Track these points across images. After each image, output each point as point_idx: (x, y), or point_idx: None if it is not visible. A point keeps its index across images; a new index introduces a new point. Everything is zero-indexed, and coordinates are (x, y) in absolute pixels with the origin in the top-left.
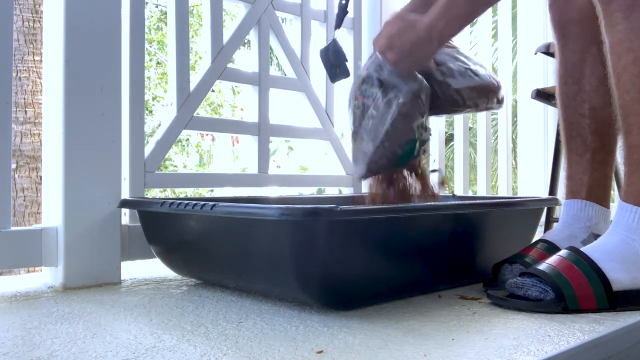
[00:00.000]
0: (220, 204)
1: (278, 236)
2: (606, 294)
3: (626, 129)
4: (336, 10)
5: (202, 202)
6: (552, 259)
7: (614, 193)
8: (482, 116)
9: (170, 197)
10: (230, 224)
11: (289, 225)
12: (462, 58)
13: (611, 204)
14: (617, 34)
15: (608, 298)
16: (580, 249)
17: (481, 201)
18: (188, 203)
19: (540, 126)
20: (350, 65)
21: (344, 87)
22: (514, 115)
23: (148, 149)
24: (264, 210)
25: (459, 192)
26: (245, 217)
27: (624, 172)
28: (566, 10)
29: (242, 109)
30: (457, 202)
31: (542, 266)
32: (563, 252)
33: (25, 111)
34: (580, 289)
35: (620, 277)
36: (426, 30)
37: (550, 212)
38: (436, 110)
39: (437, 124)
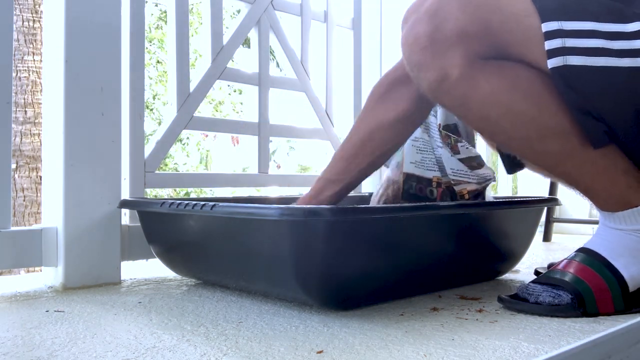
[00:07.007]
0: (220, 204)
1: (278, 236)
2: (622, 295)
3: None
4: None
5: (202, 202)
6: (567, 264)
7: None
8: None
9: (170, 197)
10: (230, 224)
11: (289, 225)
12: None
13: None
14: None
15: (624, 299)
16: (592, 248)
17: (481, 201)
18: (188, 203)
19: None
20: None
21: (344, 88)
22: None
23: (148, 149)
24: (264, 210)
25: None
26: (245, 217)
27: None
28: None
29: (241, 111)
30: (457, 202)
31: (559, 274)
32: (577, 256)
33: (25, 111)
34: (600, 293)
35: (633, 273)
36: None
37: (550, 212)
38: None
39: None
